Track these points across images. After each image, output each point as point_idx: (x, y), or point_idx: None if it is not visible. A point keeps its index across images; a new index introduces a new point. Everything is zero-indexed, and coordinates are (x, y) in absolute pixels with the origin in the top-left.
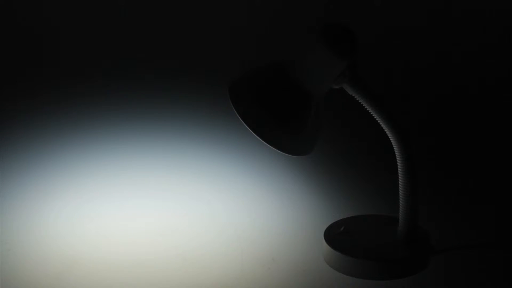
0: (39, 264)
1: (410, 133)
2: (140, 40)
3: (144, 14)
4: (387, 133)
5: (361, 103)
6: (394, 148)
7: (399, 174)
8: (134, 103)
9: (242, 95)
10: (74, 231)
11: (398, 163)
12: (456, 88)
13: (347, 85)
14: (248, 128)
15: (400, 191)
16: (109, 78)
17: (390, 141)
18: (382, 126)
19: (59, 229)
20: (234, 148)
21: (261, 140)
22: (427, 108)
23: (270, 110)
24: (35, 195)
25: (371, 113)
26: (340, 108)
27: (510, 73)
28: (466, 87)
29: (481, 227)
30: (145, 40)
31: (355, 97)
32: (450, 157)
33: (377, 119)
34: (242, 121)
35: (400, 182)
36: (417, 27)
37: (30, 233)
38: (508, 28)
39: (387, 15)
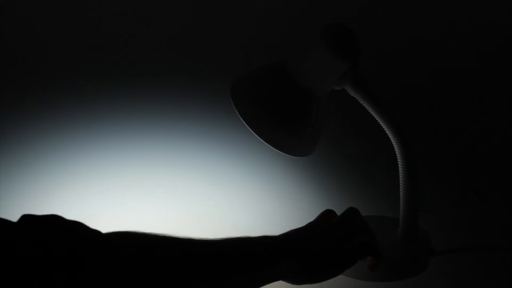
0: None
1: (411, 133)
2: (140, 38)
3: (144, 12)
4: (388, 134)
5: (363, 104)
6: (395, 149)
7: (400, 175)
8: (134, 102)
9: (243, 95)
10: None
11: (399, 164)
12: (457, 88)
13: (348, 86)
14: (249, 128)
15: (400, 191)
16: (109, 77)
17: (390, 141)
18: (383, 127)
19: None
20: (235, 148)
21: (262, 140)
22: (428, 108)
23: (271, 111)
24: (35, 195)
25: (372, 114)
26: (340, 108)
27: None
28: (467, 86)
29: (481, 228)
30: (145, 39)
31: (356, 98)
32: (450, 158)
33: (378, 120)
34: (243, 121)
35: (400, 183)
36: (418, 27)
37: None
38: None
39: (388, 16)
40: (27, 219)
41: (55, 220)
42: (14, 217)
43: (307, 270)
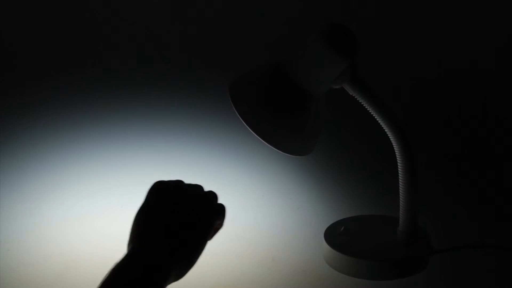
0: (39, 264)
1: (410, 132)
2: (139, 38)
3: (144, 12)
4: (387, 133)
5: (362, 103)
6: (394, 148)
7: (399, 174)
8: (134, 102)
9: (242, 95)
10: (74, 231)
11: (398, 163)
12: (459, 86)
13: (347, 85)
14: (248, 128)
15: (400, 191)
16: (110, 77)
17: (390, 141)
18: (382, 126)
19: (59, 229)
20: (235, 148)
21: (260, 139)
22: (428, 107)
23: (270, 110)
24: (35, 195)
25: (372, 113)
26: (340, 108)
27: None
28: (469, 85)
29: (481, 227)
30: (144, 39)
31: (355, 97)
32: (450, 156)
33: (377, 119)
34: (242, 121)
35: (400, 182)
36: (418, 27)
37: (30, 233)
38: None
39: (389, 16)
40: None
41: None
42: (14, 217)
43: (180, 262)
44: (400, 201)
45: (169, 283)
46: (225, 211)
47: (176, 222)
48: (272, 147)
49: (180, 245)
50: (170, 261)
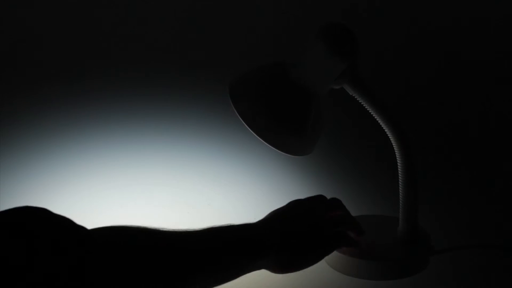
0: None
1: (410, 132)
2: (139, 36)
3: (144, 12)
4: (387, 133)
5: (362, 103)
6: (394, 148)
7: (399, 174)
8: (134, 102)
9: (242, 95)
10: None
11: (398, 163)
12: (457, 87)
13: (347, 85)
14: (248, 128)
15: (400, 191)
16: (109, 76)
17: (390, 140)
18: (382, 126)
19: None
20: (235, 148)
21: (260, 140)
22: (428, 107)
23: (270, 110)
24: (35, 195)
25: (371, 112)
26: (340, 108)
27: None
28: (468, 86)
29: (481, 227)
30: (143, 39)
31: (355, 97)
32: (450, 156)
33: (377, 119)
34: (241, 121)
35: (400, 182)
36: (418, 27)
37: None
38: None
39: (389, 16)
40: (19, 209)
41: (43, 213)
42: None
43: (289, 253)
44: (400, 201)
45: (265, 267)
46: (347, 241)
47: (301, 229)
48: (272, 147)
49: (288, 242)
50: (274, 246)
